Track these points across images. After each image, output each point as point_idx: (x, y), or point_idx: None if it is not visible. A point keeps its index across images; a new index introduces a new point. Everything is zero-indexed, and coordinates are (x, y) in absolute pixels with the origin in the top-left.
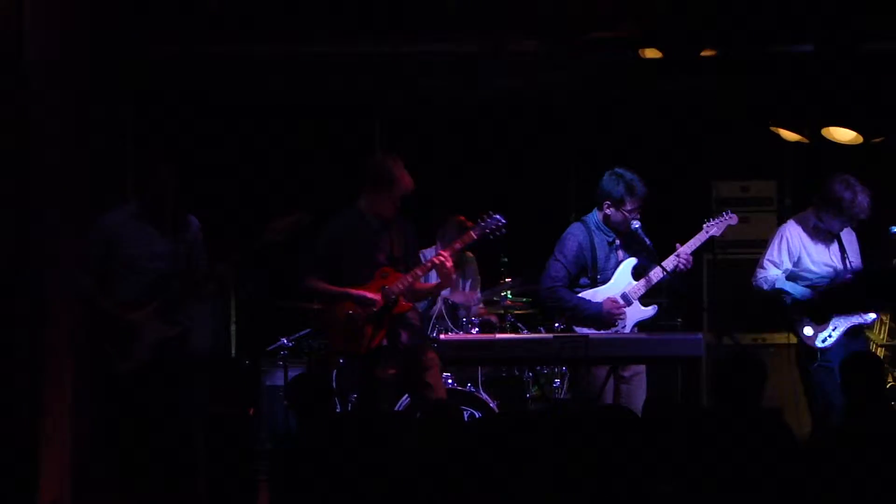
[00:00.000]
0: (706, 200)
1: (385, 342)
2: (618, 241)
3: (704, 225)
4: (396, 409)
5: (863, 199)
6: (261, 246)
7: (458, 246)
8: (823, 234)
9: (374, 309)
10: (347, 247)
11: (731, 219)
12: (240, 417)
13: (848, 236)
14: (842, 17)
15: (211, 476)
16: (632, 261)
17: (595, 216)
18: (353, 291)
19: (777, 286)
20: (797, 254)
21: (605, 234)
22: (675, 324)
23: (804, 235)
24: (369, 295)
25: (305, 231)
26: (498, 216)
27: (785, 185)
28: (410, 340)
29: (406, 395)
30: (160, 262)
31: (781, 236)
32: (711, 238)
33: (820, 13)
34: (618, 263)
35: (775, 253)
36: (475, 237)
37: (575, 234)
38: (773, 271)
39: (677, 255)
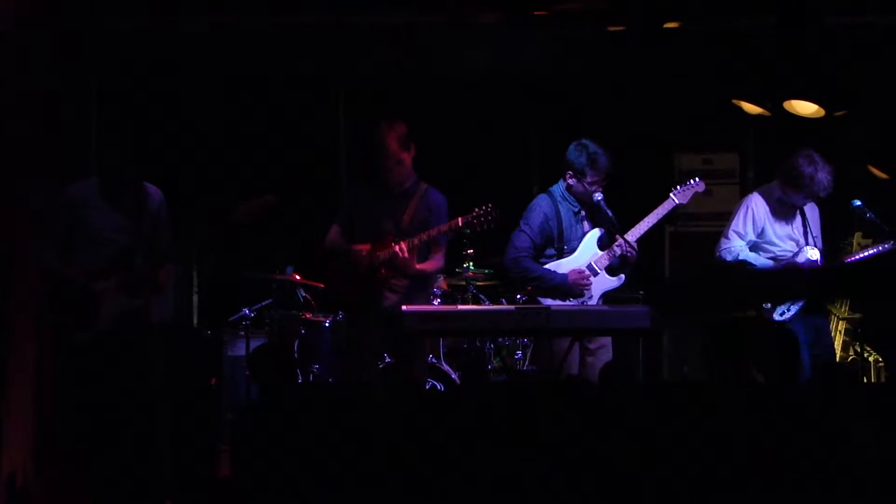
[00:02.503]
0: (669, 173)
1: (373, 302)
2: (583, 212)
3: (672, 193)
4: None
5: (823, 177)
6: (227, 228)
7: (443, 229)
8: (787, 208)
9: (359, 269)
10: (361, 209)
11: (698, 185)
12: (201, 388)
13: (811, 211)
14: None
15: (173, 446)
16: (596, 232)
17: (560, 186)
18: (347, 247)
19: (741, 258)
20: (761, 225)
21: (571, 205)
22: (637, 296)
23: (768, 208)
24: (358, 253)
25: (273, 213)
26: (493, 214)
27: (747, 158)
28: (395, 306)
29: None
30: (123, 234)
31: (747, 207)
32: (675, 208)
33: None
34: (583, 234)
35: (740, 224)
36: (461, 224)
37: (541, 205)
38: (737, 242)
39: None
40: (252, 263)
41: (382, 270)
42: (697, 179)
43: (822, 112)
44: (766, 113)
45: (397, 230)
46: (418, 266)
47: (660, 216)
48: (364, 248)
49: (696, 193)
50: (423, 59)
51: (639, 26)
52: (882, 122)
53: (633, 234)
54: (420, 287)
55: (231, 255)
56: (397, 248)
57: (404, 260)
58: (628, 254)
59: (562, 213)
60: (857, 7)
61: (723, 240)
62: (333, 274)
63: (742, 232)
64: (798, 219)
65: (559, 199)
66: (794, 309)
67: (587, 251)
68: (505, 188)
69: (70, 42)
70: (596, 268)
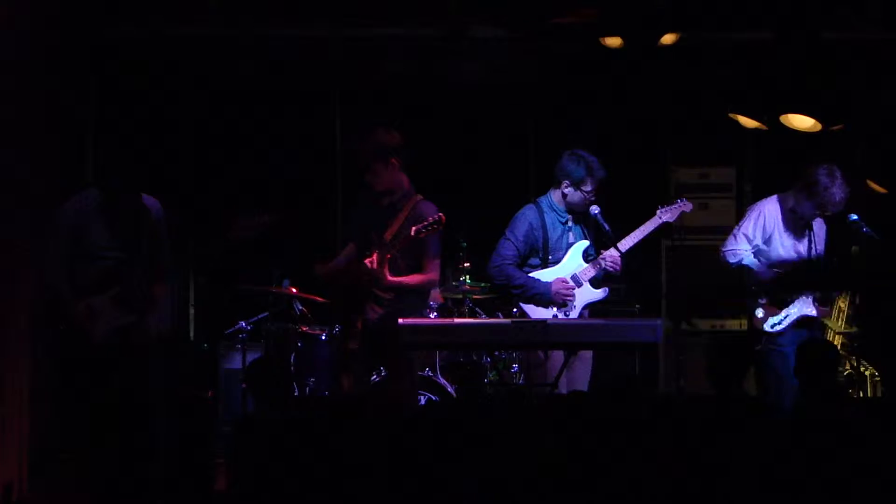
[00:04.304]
0: (665, 187)
1: (359, 316)
2: (571, 223)
3: (658, 211)
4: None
5: (837, 192)
6: (225, 244)
7: (402, 241)
8: (797, 219)
9: (344, 283)
10: (358, 222)
11: (685, 205)
12: (198, 400)
13: (819, 227)
14: (801, 5)
15: (169, 458)
16: (583, 243)
17: (549, 197)
18: (333, 265)
19: (744, 262)
20: (770, 232)
21: (559, 216)
22: (634, 310)
23: (780, 216)
24: (337, 270)
25: (271, 229)
26: (440, 223)
27: (744, 172)
28: (379, 320)
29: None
30: (120, 249)
31: (759, 212)
32: (666, 224)
33: (780, 0)
34: (569, 246)
35: (750, 227)
36: (412, 234)
37: (526, 215)
38: (743, 245)
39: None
40: (249, 276)
41: (364, 283)
42: (684, 200)
43: (818, 126)
44: (763, 127)
45: (381, 243)
46: (394, 278)
47: (646, 232)
48: (339, 267)
49: (682, 213)
50: (421, 71)
51: (636, 40)
52: (880, 136)
53: (623, 247)
54: (409, 300)
55: (228, 268)
56: (367, 261)
57: (373, 272)
58: (611, 268)
59: (548, 224)
60: (854, 22)
61: (731, 239)
62: (333, 288)
63: (751, 236)
64: (806, 232)
65: (546, 209)
66: (785, 323)
67: (572, 262)
68: (501, 200)
69: (70, 48)
70: (580, 279)
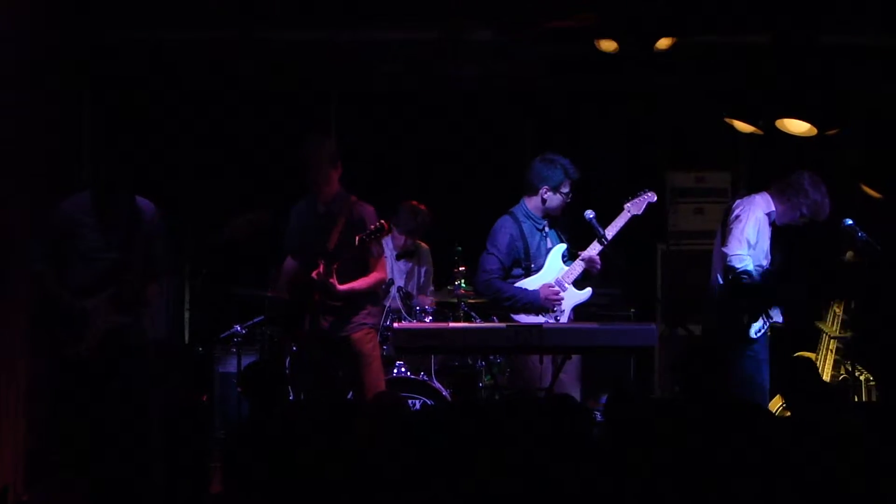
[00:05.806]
0: (661, 191)
1: (310, 328)
2: (547, 229)
3: (626, 205)
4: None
5: (827, 202)
6: (221, 243)
7: (352, 251)
8: (769, 224)
9: (289, 296)
10: (297, 233)
11: (650, 196)
12: (193, 404)
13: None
14: (797, 9)
15: (164, 462)
16: (560, 247)
17: (524, 206)
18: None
19: (748, 269)
20: (759, 238)
21: (535, 223)
22: (629, 314)
23: (765, 220)
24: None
25: (265, 228)
26: (383, 230)
27: (739, 176)
28: (333, 330)
29: None
30: (114, 250)
31: (755, 218)
32: (635, 217)
33: (776, 4)
34: (548, 251)
35: (752, 232)
36: (357, 244)
37: (505, 227)
38: (747, 250)
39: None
40: (244, 279)
41: (314, 295)
42: (648, 190)
43: (814, 131)
44: (758, 131)
45: (325, 253)
46: (344, 286)
47: (618, 228)
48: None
49: (648, 203)
50: (419, 73)
51: (631, 44)
52: (874, 140)
53: (594, 249)
54: (361, 302)
55: (223, 271)
56: (315, 273)
57: (323, 284)
58: (592, 269)
59: (526, 232)
60: (850, 26)
61: (735, 243)
62: (285, 301)
63: (752, 242)
64: (770, 235)
65: (522, 218)
66: (765, 328)
67: (554, 267)
68: (496, 205)
69: (66, 53)
70: (563, 282)
